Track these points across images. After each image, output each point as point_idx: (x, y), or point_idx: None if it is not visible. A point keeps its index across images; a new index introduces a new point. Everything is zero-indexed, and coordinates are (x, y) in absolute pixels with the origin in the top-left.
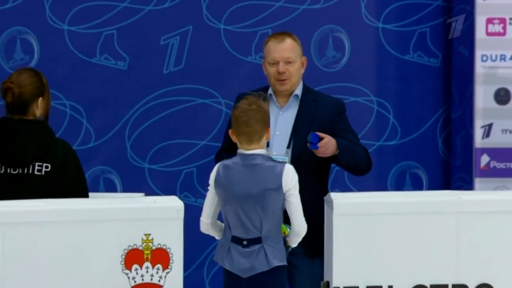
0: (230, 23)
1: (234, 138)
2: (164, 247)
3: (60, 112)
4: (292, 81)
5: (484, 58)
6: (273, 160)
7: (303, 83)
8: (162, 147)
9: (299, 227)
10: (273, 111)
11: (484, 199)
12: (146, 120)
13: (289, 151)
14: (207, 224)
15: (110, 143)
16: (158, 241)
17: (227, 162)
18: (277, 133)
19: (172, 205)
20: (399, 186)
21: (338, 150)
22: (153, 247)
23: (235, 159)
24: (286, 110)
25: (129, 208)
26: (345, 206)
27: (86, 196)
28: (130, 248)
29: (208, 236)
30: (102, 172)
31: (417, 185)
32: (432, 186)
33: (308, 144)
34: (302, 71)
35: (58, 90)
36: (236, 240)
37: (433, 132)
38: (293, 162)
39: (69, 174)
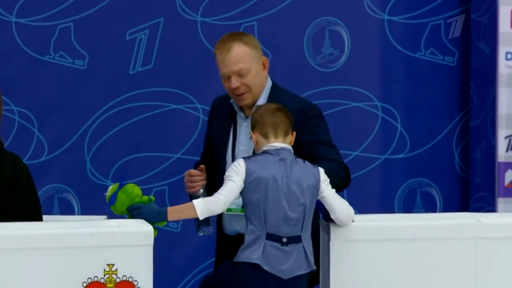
0: (208, 15)
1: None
2: (130, 279)
3: (7, 120)
4: (253, 92)
5: (509, 56)
6: None
7: (272, 84)
8: (127, 161)
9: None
10: (238, 122)
11: (508, 222)
12: (109, 130)
13: None
14: None
15: (67, 157)
16: (123, 272)
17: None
18: (241, 148)
19: (139, 230)
20: (408, 207)
21: None
22: (117, 280)
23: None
24: (249, 120)
25: (88, 233)
26: (344, 230)
27: (40, 219)
28: (90, 280)
29: (182, 265)
30: (57, 190)
31: (429, 206)
32: (447, 207)
33: None
34: (264, 73)
35: (4, 93)
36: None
37: (449, 144)
38: None
39: (19, 194)
